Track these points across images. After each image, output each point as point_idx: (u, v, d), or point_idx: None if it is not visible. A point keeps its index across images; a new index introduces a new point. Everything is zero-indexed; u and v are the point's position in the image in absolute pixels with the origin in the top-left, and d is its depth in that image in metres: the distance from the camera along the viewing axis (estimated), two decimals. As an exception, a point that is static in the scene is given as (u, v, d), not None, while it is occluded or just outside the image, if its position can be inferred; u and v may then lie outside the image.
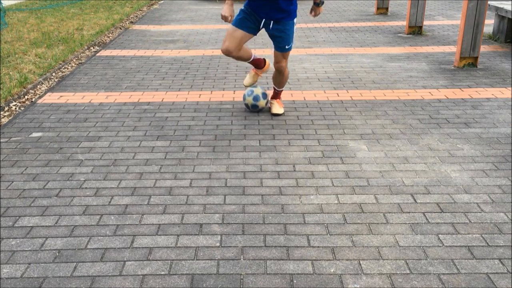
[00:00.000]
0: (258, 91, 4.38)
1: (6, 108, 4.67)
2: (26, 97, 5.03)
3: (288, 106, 4.59)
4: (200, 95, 4.96)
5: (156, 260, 2.48)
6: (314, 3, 4.00)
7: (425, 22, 8.30)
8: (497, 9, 6.94)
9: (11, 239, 2.65)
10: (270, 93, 4.61)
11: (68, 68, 6.04)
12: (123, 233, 2.69)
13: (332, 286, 2.29)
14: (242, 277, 2.35)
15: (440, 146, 3.75)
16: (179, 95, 4.97)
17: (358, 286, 2.28)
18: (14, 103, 4.81)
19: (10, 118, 4.44)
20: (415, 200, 3.01)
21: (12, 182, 3.26)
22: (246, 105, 4.43)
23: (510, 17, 6.65)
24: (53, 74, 5.77)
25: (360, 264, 2.43)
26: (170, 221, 2.81)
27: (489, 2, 7.18)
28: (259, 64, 4.40)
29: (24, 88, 5.20)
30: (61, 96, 4.96)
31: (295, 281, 2.32)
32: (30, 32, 7.82)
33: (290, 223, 2.77)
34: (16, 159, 3.58)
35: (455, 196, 3.04)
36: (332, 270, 2.39)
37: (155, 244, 2.60)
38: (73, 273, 2.38)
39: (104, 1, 11.12)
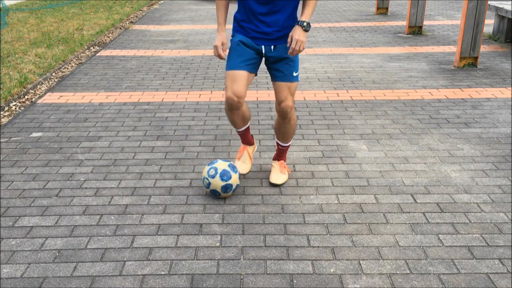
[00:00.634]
0: (220, 165, 3.00)
1: (6, 108, 4.67)
2: (26, 97, 5.03)
3: (288, 106, 4.59)
4: (200, 95, 4.96)
5: (156, 260, 2.48)
6: (298, 22, 2.78)
7: (425, 22, 8.30)
8: (497, 9, 6.94)
9: (11, 239, 2.65)
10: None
11: (68, 68, 6.04)
12: (123, 233, 2.69)
13: (332, 286, 2.29)
14: (242, 277, 2.35)
15: (440, 146, 3.75)
16: (179, 95, 4.97)
17: (358, 286, 2.28)
18: (14, 103, 4.81)
19: (10, 118, 4.44)
20: (415, 200, 3.01)
21: (12, 182, 3.26)
22: (214, 192, 2.99)
23: (510, 17, 6.65)
24: (53, 74, 5.77)
25: (360, 264, 2.43)
26: (170, 221, 2.81)
27: (489, 2, 7.18)
28: (250, 138, 3.39)
29: (24, 88, 5.20)
30: (61, 96, 4.96)
31: (295, 281, 2.32)
32: (30, 32, 7.81)
33: (290, 223, 2.77)
34: (16, 159, 3.58)
35: (455, 196, 3.04)
36: (332, 270, 2.39)
37: (155, 244, 2.60)
38: (73, 273, 2.38)
39: (104, 1, 11.12)
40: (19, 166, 3.47)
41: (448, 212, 2.87)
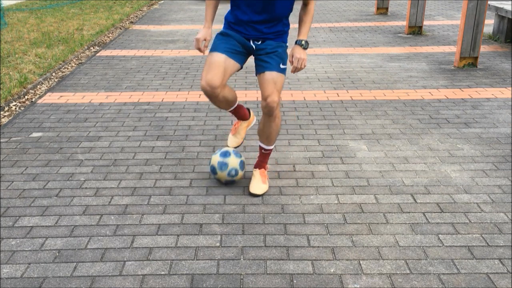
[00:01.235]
0: (233, 161, 3.10)
1: (6, 108, 4.68)
2: (26, 97, 5.03)
3: (288, 106, 4.58)
4: (200, 95, 4.96)
5: (156, 260, 2.48)
6: (297, 41, 2.83)
7: (425, 22, 8.30)
8: (497, 9, 6.94)
9: (11, 239, 2.65)
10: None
11: (68, 68, 6.04)
12: (123, 233, 2.69)
13: (332, 286, 2.29)
14: (242, 277, 2.35)
15: (440, 146, 3.75)
16: (179, 95, 4.97)
17: (358, 286, 2.28)
18: (14, 103, 4.81)
19: (10, 118, 4.44)
20: (415, 200, 3.01)
21: (12, 182, 3.26)
22: (219, 180, 3.19)
23: (510, 17, 6.65)
24: (53, 74, 5.77)
25: (360, 264, 2.43)
26: (170, 221, 2.81)
27: (489, 2, 7.19)
28: (244, 114, 3.35)
29: (24, 88, 5.20)
30: (61, 96, 4.96)
31: (295, 281, 2.32)
32: (30, 32, 7.81)
33: (290, 223, 2.77)
34: (16, 159, 3.58)
35: (455, 196, 3.04)
36: (332, 270, 2.39)
37: (155, 244, 2.60)
38: (73, 273, 2.38)
39: (104, 1, 11.12)
40: (19, 166, 3.47)
41: (448, 212, 2.87)
